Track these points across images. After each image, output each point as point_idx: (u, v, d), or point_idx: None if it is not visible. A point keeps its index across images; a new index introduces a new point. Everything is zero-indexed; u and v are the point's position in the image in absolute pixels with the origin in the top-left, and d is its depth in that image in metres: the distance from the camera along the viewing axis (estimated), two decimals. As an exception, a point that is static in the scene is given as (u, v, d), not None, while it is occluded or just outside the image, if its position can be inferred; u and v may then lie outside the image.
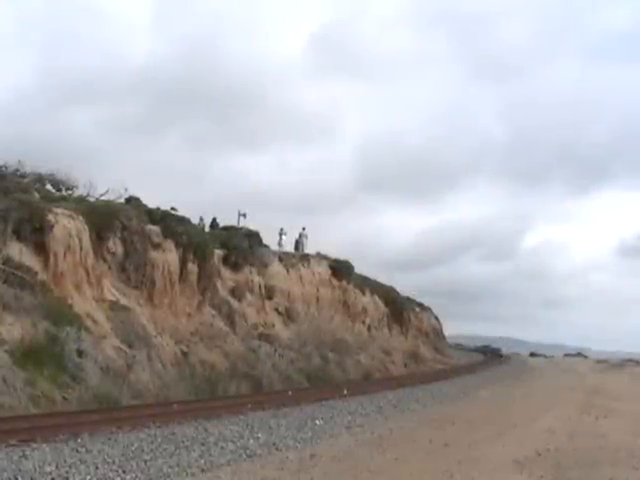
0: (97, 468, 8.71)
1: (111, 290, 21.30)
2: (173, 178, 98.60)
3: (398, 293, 49.61)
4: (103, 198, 24.90)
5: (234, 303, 27.68)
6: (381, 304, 44.71)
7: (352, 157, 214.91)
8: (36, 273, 17.90)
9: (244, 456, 10.36)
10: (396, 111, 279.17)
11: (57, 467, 8.55)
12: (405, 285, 71.90)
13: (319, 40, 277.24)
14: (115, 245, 22.15)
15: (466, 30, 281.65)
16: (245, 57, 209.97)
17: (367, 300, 42.47)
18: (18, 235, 18.15)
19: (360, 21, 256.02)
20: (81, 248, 19.87)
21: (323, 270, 37.54)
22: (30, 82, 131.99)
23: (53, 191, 24.08)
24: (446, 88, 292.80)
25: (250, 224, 34.09)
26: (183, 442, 10.78)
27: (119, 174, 73.49)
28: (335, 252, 39.93)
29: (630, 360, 61.70)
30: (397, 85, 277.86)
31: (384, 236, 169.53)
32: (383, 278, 48.37)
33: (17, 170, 22.68)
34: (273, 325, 29.78)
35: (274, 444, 11.39)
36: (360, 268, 41.85)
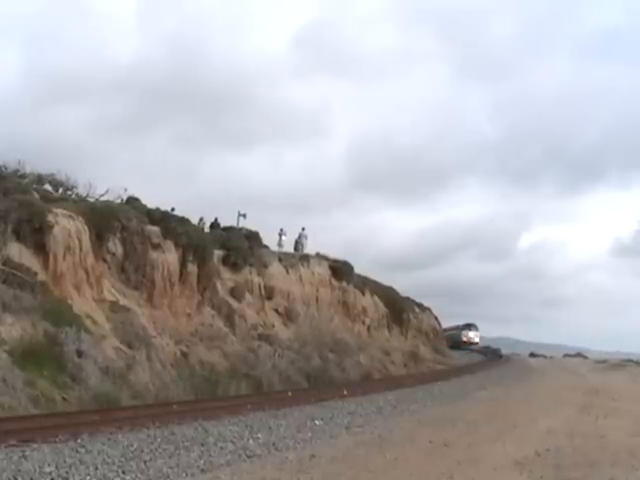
0: (97, 468, 8.71)
1: (111, 290, 21.32)
2: (163, 178, 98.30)
3: (398, 293, 49.62)
4: (103, 198, 24.96)
5: (234, 303, 27.70)
6: (381, 304, 44.72)
7: (345, 156, 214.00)
8: (36, 273, 17.91)
9: (244, 456, 10.35)
10: (387, 109, 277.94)
11: (57, 467, 8.55)
12: (404, 285, 71.50)
13: (306, 38, 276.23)
14: (115, 245, 22.18)
15: (453, 27, 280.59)
16: (233, 55, 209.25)
17: (367, 300, 42.49)
18: (18, 235, 18.17)
19: (346, 18, 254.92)
20: (81, 249, 19.89)
21: (323, 270, 37.56)
22: (15, 81, 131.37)
23: (53, 191, 24.13)
24: (435, 86, 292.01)
25: (250, 224, 34.23)
26: (183, 442, 10.77)
27: (108, 173, 73.24)
28: (331, 252, 39.99)
29: (630, 360, 61.44)
30: (387, 83, 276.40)
31: (381, 235, 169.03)
32: (381, 278, 48.43)
33: (17, 170, 22.72)
34: (273, 325, 29.80)
35: (274, 444, 11.38)
36: (357, 268, 41.92)
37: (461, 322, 73.77)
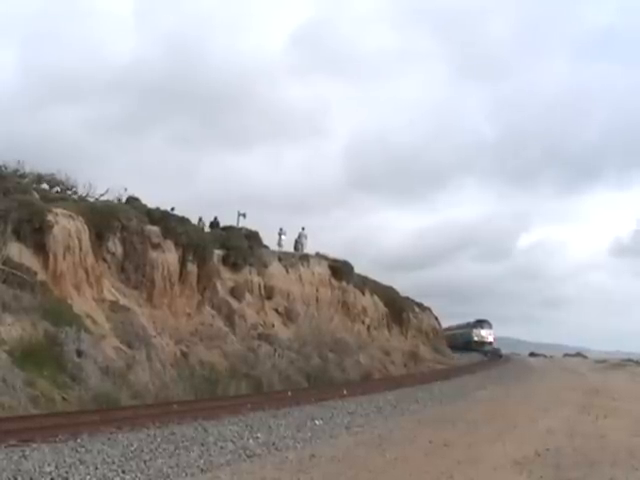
0: (97, 468, 8.71)
1: (111, 290, 21.31)
2: (162, 177, 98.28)
3: (398, 293, 49.60)
4: (103, 198, 24.96)
5: (234, 303, 27.70)
6: (381, 304, 44.71)
7: (343, 156, 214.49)
8: (36, 273, 17.91)
9: (244, 456, 10.35)
10: (385, 109, 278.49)
11: (57, 467, 8.55)
12: (403, 285, 70.87)
13: (303, 37, 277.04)
14: (115, 245, 22.17)
15: (450, 27, 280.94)
16: (231, 55, 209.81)
17: (367, 300, 42.48)
18: (18, 235, 18.17)
19: (344, 18, 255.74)
20: (81, 248, 19.88)
21: (323, 270, 37.55)
22: (13, 81, 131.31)
23: (52, 191, 24.13)
24: (433, 85, 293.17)
25: (249, 224, 34.21)
26: (182, 442, 10.77)
27: (107, 173, 73.32)
28: (331, 252, 39.98)
29: (630, 360, 61.16)
30: (384, 82, 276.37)
31: (380, 235, 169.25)
32: (380, 278, 48.39)
33: (17, 170, 22.72)
34: (273, 325, 29.79)
35: (274, 444, 11.38)
36: (356, 268, 41.89)
37: (462, 321, 67.98)
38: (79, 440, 10.34)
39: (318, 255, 38.20)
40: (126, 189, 26.48)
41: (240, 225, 33.83)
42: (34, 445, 9.72)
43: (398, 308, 47.54)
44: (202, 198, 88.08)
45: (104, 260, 21.77)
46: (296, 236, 37.94)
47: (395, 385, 24.69)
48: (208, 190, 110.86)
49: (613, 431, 14.57)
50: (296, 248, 37.46)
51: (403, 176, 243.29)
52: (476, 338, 56.67)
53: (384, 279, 49.20)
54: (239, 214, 34.83)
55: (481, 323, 58.31)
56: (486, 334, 57.29)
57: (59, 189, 24.79)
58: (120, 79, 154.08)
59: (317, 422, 14.11)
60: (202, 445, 10.72)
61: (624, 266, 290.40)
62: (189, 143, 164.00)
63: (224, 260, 28.66)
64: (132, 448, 10.03)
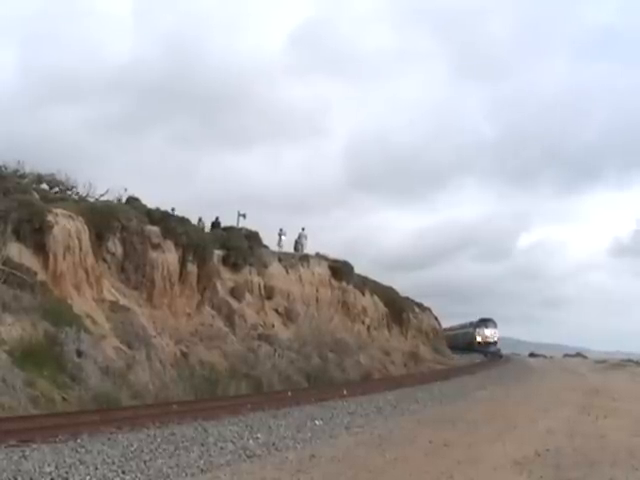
0: (97, 468, 8.71)
1: (111, 290, 21.32)
2: (162, 177, 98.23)
3: (397, 293, 49.63)
4: (103, 198, 24.97)
5: (234, 303, 27.71)
6: (381, 304, 44.74)
7: (342, 156, 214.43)
8: (36, 273, 17.91)
9: (244, 456, 10.35)
10: (384, 109, 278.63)
11: (56, 467, 8.55)
12: (403, 285, 70.70)
13: (302, 37, 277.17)
14: (115, 245, 22.18)
15: (450, 27, 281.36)
16: (230, 55, 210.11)
17: (367, 300, 42.49)
18: (18, 235, 18.17)
19: (343, 18, 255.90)
20: (81, 248, 19.88)
21: (322, 270, 37.56)
22: (13, 81, 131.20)
23: (52, 191, 24.14)
24: (432, 85, 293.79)
25: (249, 224, 34.23)
26: (182, 442, 10.77)
27: (107, 173, 73.33)
28: (331, 252, 40.00)
29: (630, 360, 61.03)
30: (384, 82, 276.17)
31: (380, 235, 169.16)
32: (380, 278, 48.43)
33: (17, 170, 22.71)
34: (273, 325, 29.81)
35: (274, 444, 11.38)
36: (356, 268, 41.90)
37: (464, 321, 66.57)
38: (79, 440, 10.34)
39: (318, 255, 38.22)
40: (126, 189, 26.54)
41: (240, 225, 33.88)
42: (34, 445, 9.72)
43: (398, 308, 47.57)
44: (202, 198, 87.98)
45: (104, 260, 21.77)
46: (296, 236, 38.02)
47: (395, 385, 24.68)
48: (208, 190, 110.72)
49: (613, 431, 14.56)
50: (296, 248, 37.47)
51: (403, 176, 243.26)
52: (479, 338, 54.96)
53: (384, 279, 49.28)
54: (239, 214, 34.89)
55: (485, 322, 56.10)
56: (490, 334, 55.10)
57: (59, 189, 24.79)
58: (119, 79, 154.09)
59: (317, 422, 14.11)
60: (202, 445, 10.72)
61: (624, 266, 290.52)
62: (189, 143, 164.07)
63: (224, 260, 28.67)
64: (132, 448, 10.03)
